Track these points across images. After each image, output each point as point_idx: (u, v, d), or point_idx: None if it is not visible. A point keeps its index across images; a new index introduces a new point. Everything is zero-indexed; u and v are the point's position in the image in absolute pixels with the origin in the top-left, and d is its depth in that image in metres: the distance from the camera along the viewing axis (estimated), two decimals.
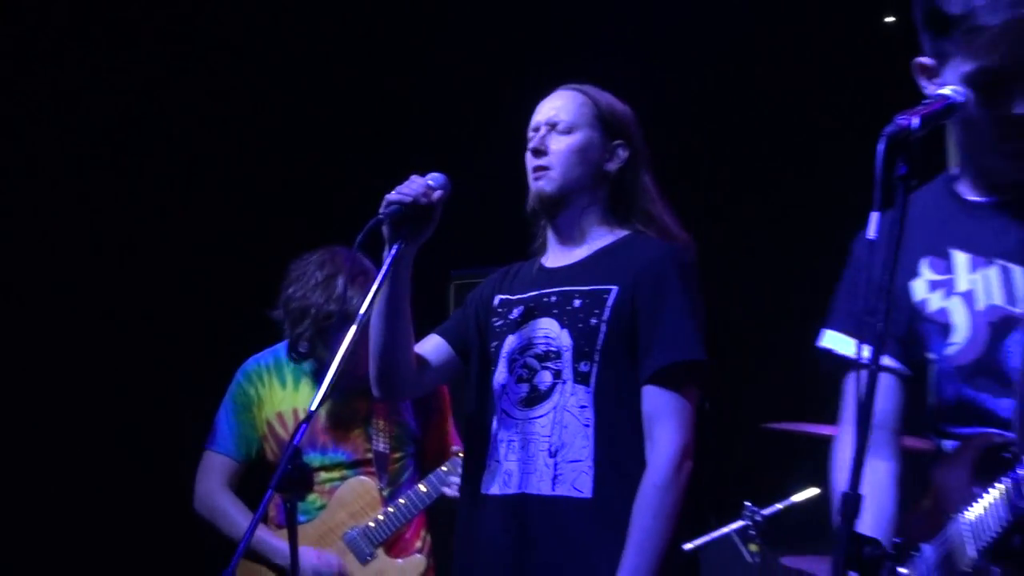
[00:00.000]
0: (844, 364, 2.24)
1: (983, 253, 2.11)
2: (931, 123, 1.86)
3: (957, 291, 2.11)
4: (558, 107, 2.65)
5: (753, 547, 3.90)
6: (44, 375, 4.87)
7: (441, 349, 2.71)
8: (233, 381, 3.58)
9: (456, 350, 2.71)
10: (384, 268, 2.44)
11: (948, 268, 2.14)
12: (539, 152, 2.57)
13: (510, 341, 2.59)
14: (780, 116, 5.35)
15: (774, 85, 5.37)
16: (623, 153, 2.61)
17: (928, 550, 1.99)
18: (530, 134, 2.65)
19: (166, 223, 5.23)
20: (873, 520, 2.05)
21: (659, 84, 4.73)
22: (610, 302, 2.46)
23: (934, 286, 2.14)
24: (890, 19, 5.19)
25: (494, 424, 2.61)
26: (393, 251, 2.43)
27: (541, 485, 2.47)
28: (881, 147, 1.79)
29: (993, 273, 2.09)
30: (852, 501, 1.66)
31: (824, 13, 5.23)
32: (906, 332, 2.16)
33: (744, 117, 5.40)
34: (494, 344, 2.64)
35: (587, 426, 2.46)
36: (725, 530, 3.91)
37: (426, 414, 3.57)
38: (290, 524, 2.40)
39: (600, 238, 2.59)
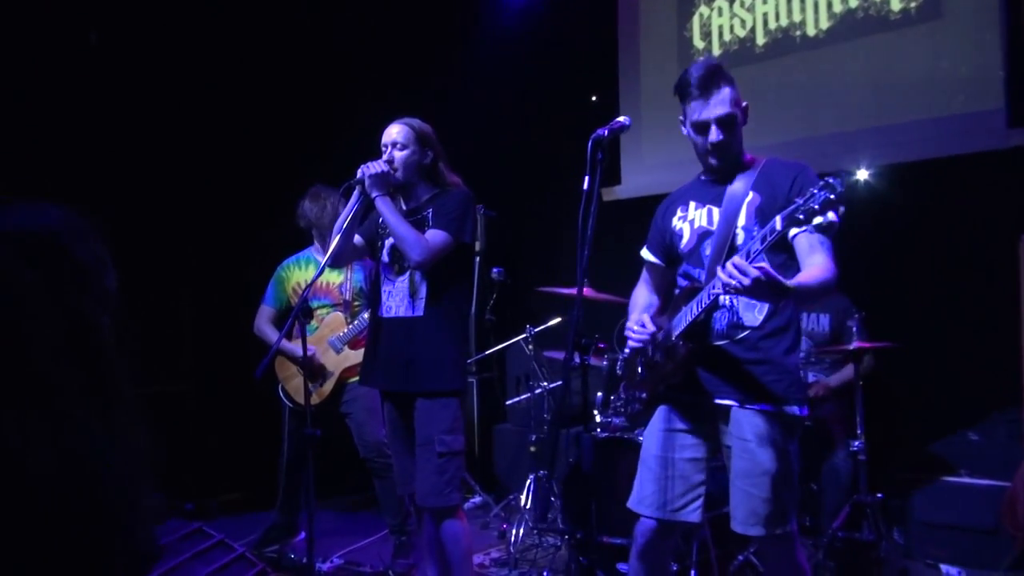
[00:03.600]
0: (645, 262, 2.75)
1: (701, 201, 2.55)
2: (613, 134, 2.35)
3: (688, 220, 2.57)
4: (394, 134, 3.00)
5: (530, 347, 4.50)
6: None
7: (360, 242, 3.13)
8: (275, 272, 4.12)
9: (367, 242, 3.13)
10: (351, 207, 2.94)
11: (686, 209, 2.59)
12: (390, 162, 2.97)
13: (388, 241, 3.05)
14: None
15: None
16: (431, 154, 3.03)
17: (658, 335, 2.54)
18: (383, 148, 3.00)
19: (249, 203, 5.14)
20: (641, 308, 2.67)
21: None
22: (430, 220, 2.96)
23: (680, 218, 2.59)
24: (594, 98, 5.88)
25: (383, 282, 3.08)
26: (358, 198, 2.92)
27: (403, 311, 2.99)
28: (590, 144, 2.32)
29: (704, 211, 2.53)
30: (576, 322, 2.29)
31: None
32: (668, 243, 2.63)
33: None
34: (381, 241, 3.10)
35: (422, 282, 2.96)
36: (518, 339, 4.61)
37: (371, 282, 4.04)
38: (303, 334, 3.04)
39: (426, 194, 3.05)
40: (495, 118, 5.84)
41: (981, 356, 4.15)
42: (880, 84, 4.57)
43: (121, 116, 4.70)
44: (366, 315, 3.88)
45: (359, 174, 2.93)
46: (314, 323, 3.97)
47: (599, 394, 4.13)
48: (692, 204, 2.59)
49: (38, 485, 0.94)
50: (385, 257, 3.13)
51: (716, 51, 5.18)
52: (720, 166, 2.50)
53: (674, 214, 2.63)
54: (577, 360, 2.22)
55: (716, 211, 2.50)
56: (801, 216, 2.06)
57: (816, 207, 2.03)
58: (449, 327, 3.00)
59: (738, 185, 2.49)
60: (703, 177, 2.60)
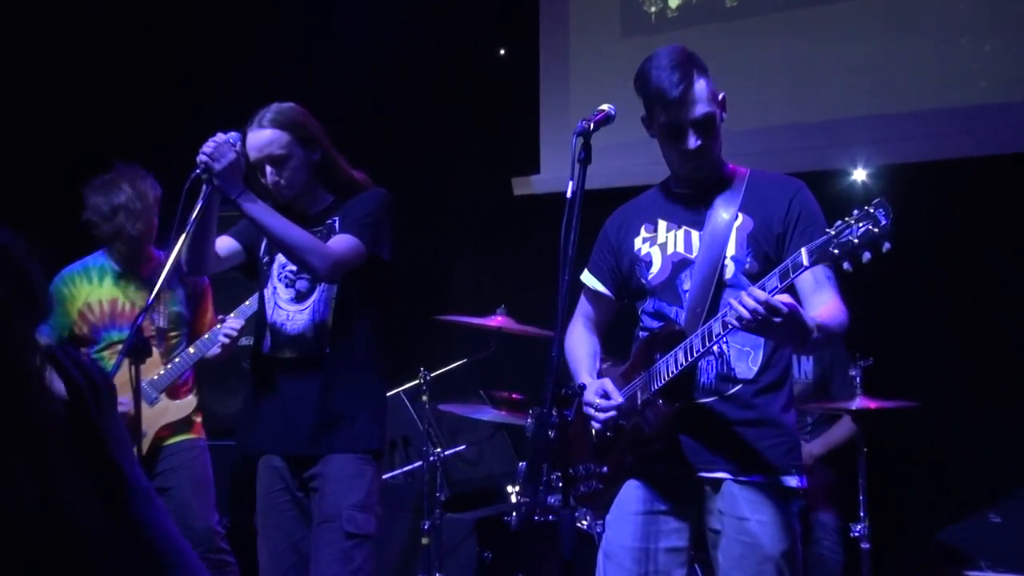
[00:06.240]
0: (584, 288, 2.93)
1: (675, 221, 2.76)
2: (598, 126, 2.51)
3: (658, 243, 2.77)
4: (267, 146, 3.13)
5: (425, 398, 4.58)
6: None
7: (231, 245, 3.27)
8: (53, 284, 4.01)
9: (242, 245, 3.28)
10: (200, 204, 2.98)
11: (654, 230, 2.78)
12: (274, 184, 3.16)
13: (279, 258, 3.23)
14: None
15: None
16: (318, 149, 3.20)
17: (622, 393, 2.70)
18: (257, 163, 3.14)
19: None
20: (588, 360, 2.86)
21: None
22: (337, 228, 3.14)
23: (645, 240, 2.78)
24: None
25: (272, 309, 3.25)
26: (207, 191, 2.97)
27: (304, 347, 3.21)
28: (577, 140, 2.45)
29: (680, 233, 2.74)
30: (556, 361, 2.34)
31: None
32: (627, 271, 2.81)
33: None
34: (269, 255, 3.25)
35: (328, 309, 3.17)
36: (405, 386, 4.81)
37: (195, 306, 4.15)
38: (136, 380, 3.07)
39: (326, 199, 3.26)
40: (363, 83, 5.87)
41: (1005, 416, 4.41)
42: (883, 59, 4.81)
43: None
44: (191, 350, 3.95)
45: (201, 163, 2.95)
46: (111, 361, 3.95)
47: (521, 464, 4.31)
48: (662, 223, 2.79)
49: (24, 527, 1.18)
50: (276, 276, 3.24)
51: (673, 2, 5.35)
52: (700, 177, 2.72)
53: (635, 233, 2.82)
54: (555, 418, 2.32)
55: (696, 235, 2.71)
56: (835, 251, 2.24)
57: (855, 241, 2.22)
58: (365, 368, 3.18)
59: (722, 204, 2.71)
60: (673, 189, 2.81)
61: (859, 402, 3.98)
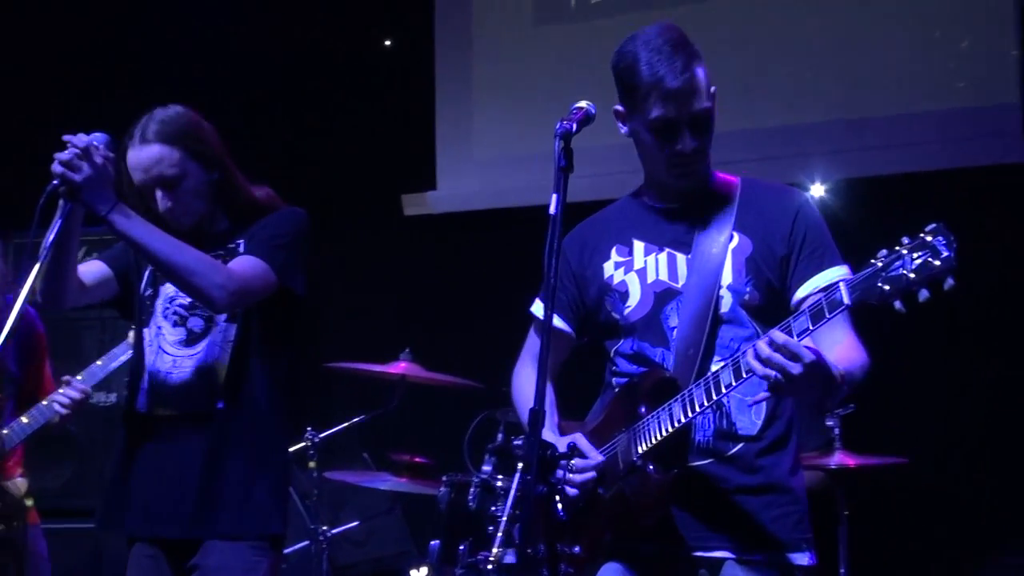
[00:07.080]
0: (535, 322, 2.93)
1: (655, 242, 2.73)
2: (582, 126, 2.46)
3: (634, 269, 2.73)
4: (153, 165, 3.07)
5: (313, 464, 4.61)
6: None
7: (100, 271, 3.18)
8: None
9: (115, 273, 3.19)
10: (57, 223, 2.84)
11: (630, 252, 2.75)
12: (167, 211, 3.07)
13: (167, 290, 3.15)
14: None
15: None
16: (216, 169, 3.14)
17: (600, 453, 2.65)
18: (144, 187, 3.08)
19: None
20: (551, 414, 2.79)
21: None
22: (241, 250, 3.09)
23: (618, 265, 2.75)
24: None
25: (153, 354, 3.16)
26: (65, 208, 2.84)
27: (191, 402, 3.10)
28: (558, 144, 2.41)
29: (662, 257, 2.70)
30: (538, 415, 2.27)
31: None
32: (593, 303, 2.81)
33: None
34: (154, 287, 3.18)
35: (225, 353, 3.10)
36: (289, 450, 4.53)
37: (27, 360, 4.00)
38: None
39: (224, 222, 3.18)
40: (217, 81, 5.81)
41: (991, 472, 4.46)
42: (846, 57, 4.83)
43: None
44: (24, 419, 3.83)
45: (57, 173, 2.82)
46: None
47: (434, 542, 4.26)
48: (638, 245, 2.74)
49: None
50: (161, 312, 3.15)
51: None
52: (686, 187, 2.67)
53: (604, 256, 2.77)
54: (542, 488, 2.27)
55: (682, 260, 2.67)
56: (884, 287, 2.13)
57: (910, 276, 2.11)
58: (265, 430, 3.11)
59: (713, 222, 2.68)
60: (650, 202, 2.77)
61: (837, 458, 3.98)
